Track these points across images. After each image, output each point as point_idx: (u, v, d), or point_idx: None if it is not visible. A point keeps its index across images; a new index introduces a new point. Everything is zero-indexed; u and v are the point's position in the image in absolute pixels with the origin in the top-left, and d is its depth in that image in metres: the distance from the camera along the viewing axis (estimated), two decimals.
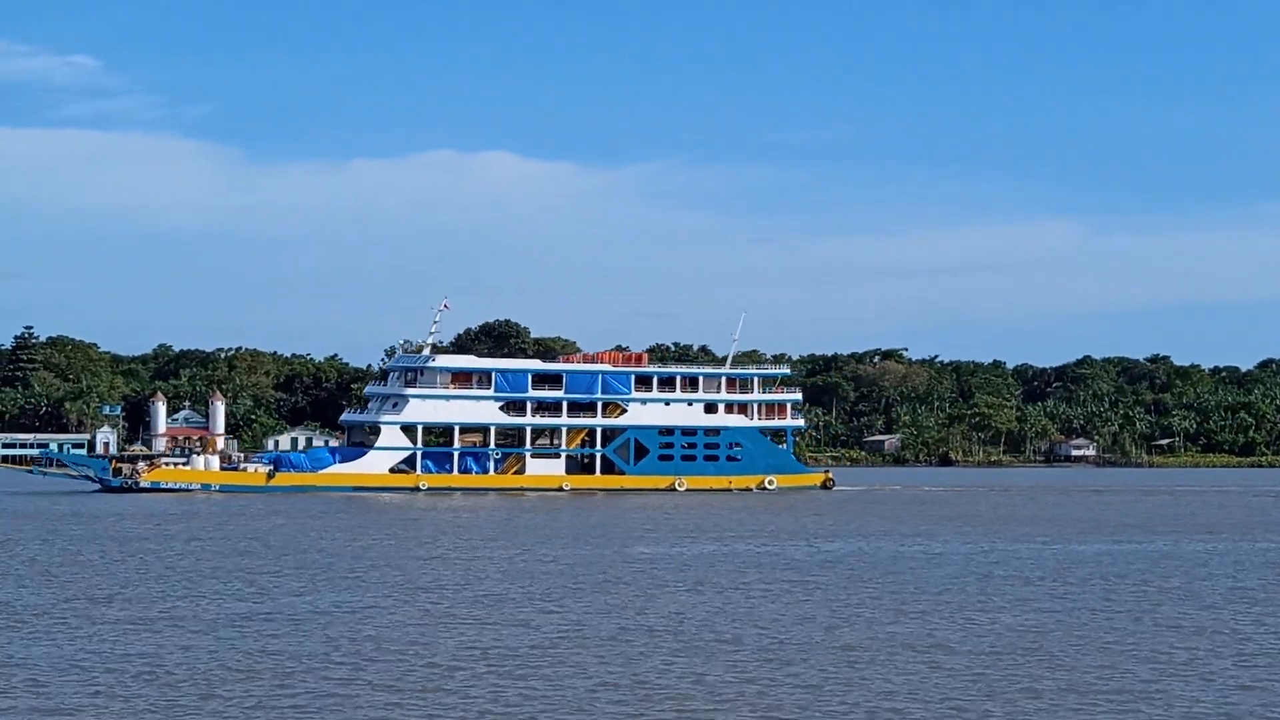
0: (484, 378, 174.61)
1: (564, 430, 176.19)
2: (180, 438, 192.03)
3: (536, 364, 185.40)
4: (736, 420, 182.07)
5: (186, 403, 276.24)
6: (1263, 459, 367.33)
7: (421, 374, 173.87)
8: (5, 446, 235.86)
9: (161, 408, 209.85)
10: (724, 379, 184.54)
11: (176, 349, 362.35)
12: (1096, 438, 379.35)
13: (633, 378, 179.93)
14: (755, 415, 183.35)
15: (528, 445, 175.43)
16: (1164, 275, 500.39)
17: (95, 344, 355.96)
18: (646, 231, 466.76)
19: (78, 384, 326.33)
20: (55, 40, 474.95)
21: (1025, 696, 33.63)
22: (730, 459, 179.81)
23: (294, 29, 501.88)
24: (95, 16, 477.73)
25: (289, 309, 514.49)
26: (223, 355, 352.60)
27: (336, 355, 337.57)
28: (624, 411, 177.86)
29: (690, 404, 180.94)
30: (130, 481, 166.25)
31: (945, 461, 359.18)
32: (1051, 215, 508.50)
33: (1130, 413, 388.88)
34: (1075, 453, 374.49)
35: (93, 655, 42.44)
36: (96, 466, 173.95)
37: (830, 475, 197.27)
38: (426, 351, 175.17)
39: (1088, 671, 38.29)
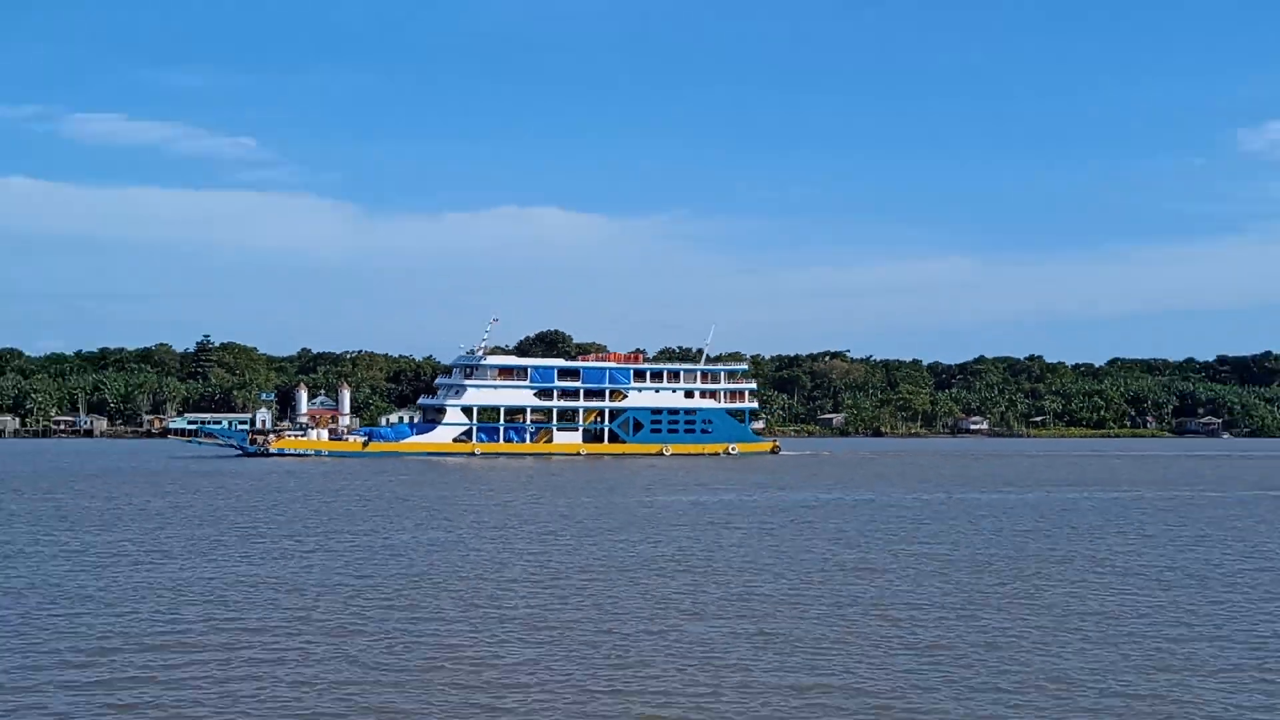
0: (522, 372, 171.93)
1: (581, 411, 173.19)
2: (315, 417, 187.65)
3: (561, 362, 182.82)
4: (708, 403, 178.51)
5: (321, 391, 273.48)
6: (1110, 432, 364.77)
7: (476, 370, 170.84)
8: (190, 423, 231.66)
9: (303, 394, 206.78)
10: (699, 373, 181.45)
11: (315, 351, 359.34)
12: (988, 416, 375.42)
13: (631, 372, 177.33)
14: (721, 399, 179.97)
15: (554, 422, 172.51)
16: (1036, 296, 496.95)
17: (255, 347, 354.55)
18: (660, 265, 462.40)
19: (242, 377, 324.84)
20: (227, 128, 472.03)
21: (932, 594, 39.26)
22: (703, 431, 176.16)
23: (398, 118, 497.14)
24: (254, 111, 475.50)
25: (397, 321, 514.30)
26: (348, 356, 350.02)
27: (431, 355, 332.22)
28: (625, 397, 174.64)
29: (673, 392, 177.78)
30: (261, 449, 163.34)
31: (877, 433, 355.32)
32: (955, 253, 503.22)
33: (1013, 398, 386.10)
34: (973, 427, 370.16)
35: (254, 574, 44.02)
36: (238, 437, 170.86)
37: (777, 444, 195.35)
38: (480, 352, 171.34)
39: (984, 576, 44.38)
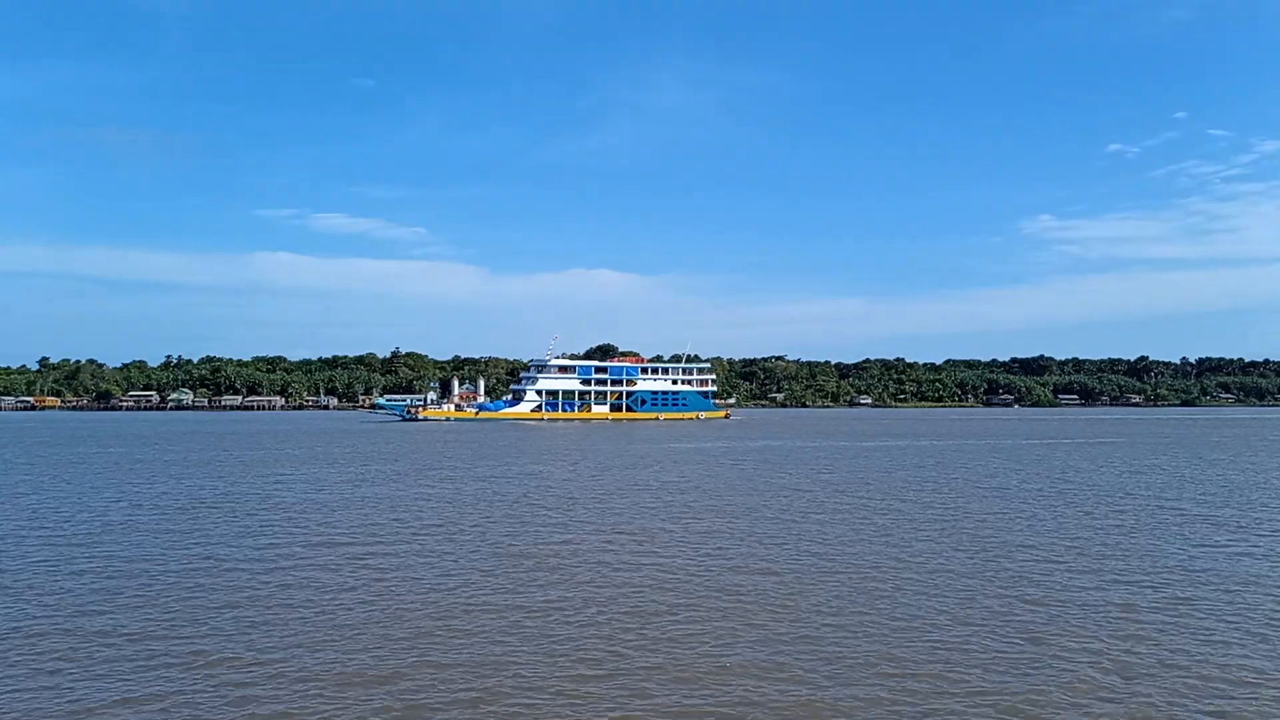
0: (573, 369, 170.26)
1: (609, 392, 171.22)
2: (462, 397, 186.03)
3: (596, 363, 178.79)
4: (686, 388, 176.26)
5: (467, 381, 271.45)
6: (946, 404, 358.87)
7: (545, 367, 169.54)
8: (389, 401, 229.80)
9: (455, 383, 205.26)
10: (680, 369, 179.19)
11: (462, 356, 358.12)
12: (871, 394, 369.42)
13: (639, 369, 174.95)
14: (694, 385, 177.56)
15: (593, 399, 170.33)
16: (899, 321, 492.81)
17: (426, 354, 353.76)
18: (669, 303, 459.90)
19: (418, 373, 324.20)
20: (407, 222, 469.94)
21: (844, 510, 36.38)
22: (683, 405, 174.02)
23: (510, 215, 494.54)
24: (423, 211, 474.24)
25: (510, 338, 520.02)
26: (482, 360, 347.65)
27: (531, 358, 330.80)
28: (636, 384, 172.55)
29: (665, 380, 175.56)
30: (413, 416, 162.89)
31: (803, 406, 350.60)
32: (850, 296, 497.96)
33: (887, 384, 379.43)
34: (862, 402, 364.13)
35: (411, 495, 41.75)
36: (399, 409, 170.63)
37: (729, 413, 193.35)
38: (548, 357, 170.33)
39: (889, 497, 40.55)
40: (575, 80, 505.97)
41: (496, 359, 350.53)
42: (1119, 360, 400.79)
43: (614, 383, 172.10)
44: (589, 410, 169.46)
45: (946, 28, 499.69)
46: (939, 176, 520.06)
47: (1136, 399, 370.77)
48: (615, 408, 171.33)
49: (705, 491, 43.30)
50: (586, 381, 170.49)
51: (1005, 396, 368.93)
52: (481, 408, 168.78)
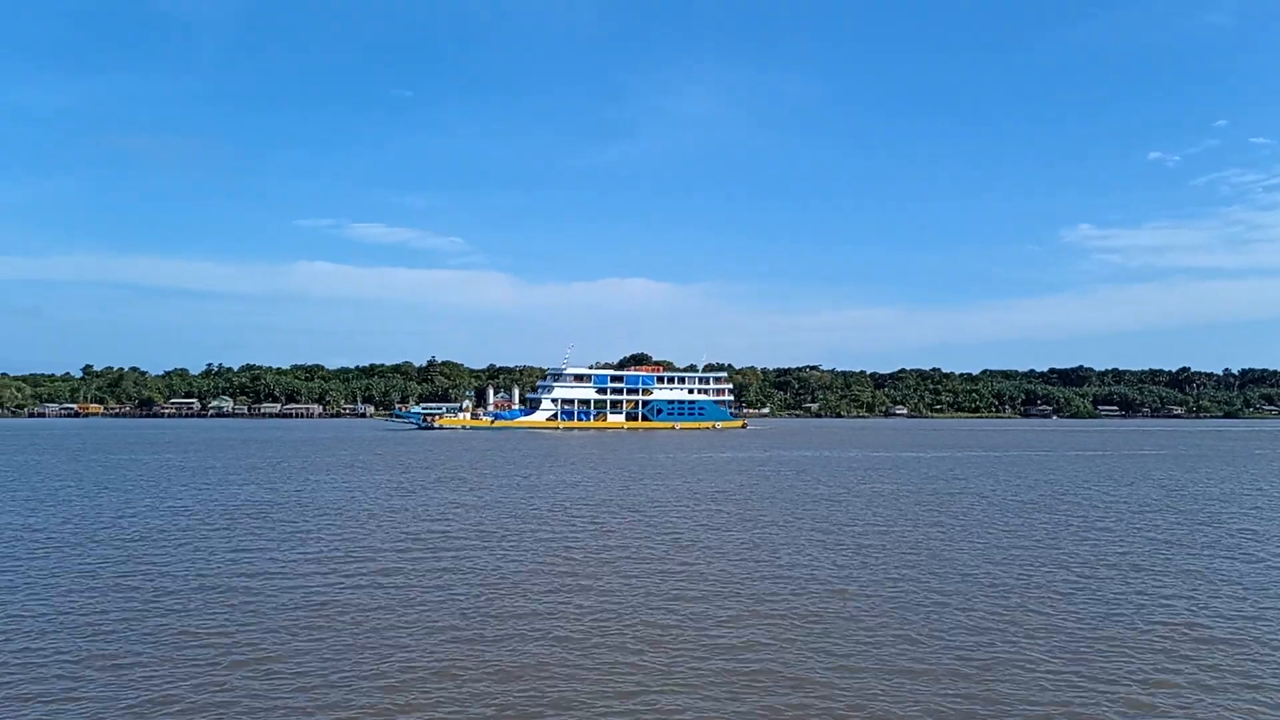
0: (588, 378, 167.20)
1: (624, 401, 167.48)
2: (498, 405, 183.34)
3: (612, 372, 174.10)
4: (703, 397, 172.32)
5: (501, 389, 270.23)
6: (983, 415, 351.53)
7: (561, 376, 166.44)
8: (426, 410, 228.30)
9: (490, 391, 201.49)
10: (697, 378, 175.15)
11: (497, 365, 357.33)
12: (907, 405, 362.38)
13: (655, 378, 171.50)
14: (711, 394, 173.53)
15: (608, 408, 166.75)
16: (935, 331, 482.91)
17: (462, 363, 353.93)
18: (704, 312, 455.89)
19: (454, 381, 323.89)
20: (443, 231, 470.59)
21: (863, 514, 36.82)
22: (700, 413, 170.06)
23: (543, 223, 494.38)
24: (458, 220, 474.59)
25: (544, 346, 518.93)
26: (516, 368, 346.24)
27: (550, 368, 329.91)
28: (651, 393, 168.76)
29: (681, 390, 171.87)
30: (429, 425, 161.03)
31: (838, 416, 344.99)
32: (885, 306, 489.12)
33: (923, 394, 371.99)
34: (898, 412, 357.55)
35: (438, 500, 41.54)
36: (416, 418, 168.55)
37: (745, 422, 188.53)
38: (564, 365, 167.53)
39: (906, 508, 39.11)
40: (608, 88, 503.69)
41: (531, 368, 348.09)
42: (1160, 371, 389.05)
43: (630, 392, 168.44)
44: (604, 419, 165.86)
45: (982, 33, 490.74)
46: (976, 184, 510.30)
47: (1178, 410, 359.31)
48: (631, 417, 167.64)
49: (742, 501, 41.94)
50: (602, 391, 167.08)
51: (1043, 407, 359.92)
52: (497, 416, 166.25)
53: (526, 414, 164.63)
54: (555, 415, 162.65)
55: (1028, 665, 15.89)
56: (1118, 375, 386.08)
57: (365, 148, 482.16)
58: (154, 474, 56.70)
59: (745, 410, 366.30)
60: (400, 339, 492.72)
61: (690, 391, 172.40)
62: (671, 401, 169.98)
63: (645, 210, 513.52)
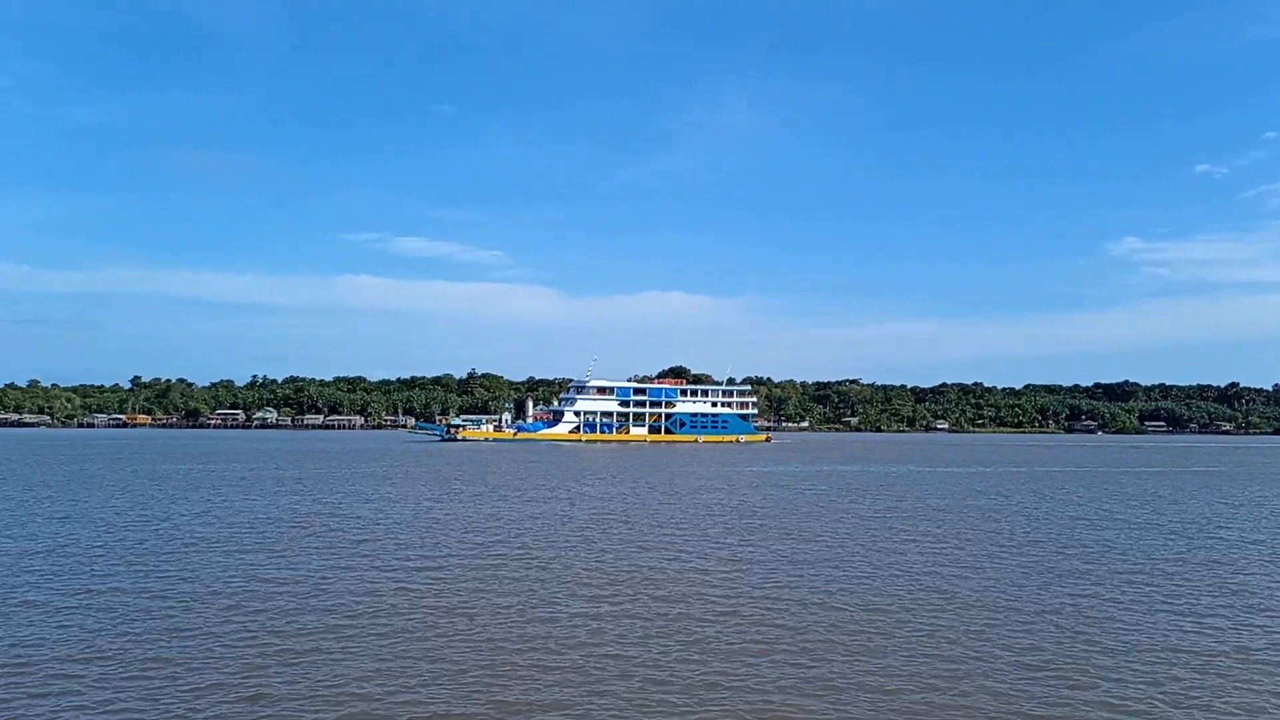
0: (611, 390, 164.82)
1: (647, 414, 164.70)
2: (538, 417, 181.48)
3: (634, 384, 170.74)
4: (726, 410, 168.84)
5: (541, 401, 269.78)
6: (1026, 430, 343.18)
7: (584, 389, 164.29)
8: (466, 420, 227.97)
9: (529, 404, 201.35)
10: (720, 391, 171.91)
11: (537, 377, 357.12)
12: (949, 420, 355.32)
13: (678, 391, 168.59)
14: (734, 407, 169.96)
15: (631, 420, 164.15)
16: (977, 345, 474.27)
17: (502, 375, 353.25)
18: (742, 325, 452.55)
19: (494, 393, 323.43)
20: (484, 245, 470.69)
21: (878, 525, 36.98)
22: (723, 427, 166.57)
23: (584, 238, 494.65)
24: (500, 234, 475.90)
25: (584, 359, 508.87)
26: (556, 380, 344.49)
27: (574, 381, 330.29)
28: (674, 406, 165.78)
29: (704, 403, 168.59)
30: (451, 436, 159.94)
31: (878, 430, 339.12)
32: (925, 318, 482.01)
33: (965, 409, 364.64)
34: (939, 426, 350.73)
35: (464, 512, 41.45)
36: (439, 430, 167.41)
37: (769, 436, 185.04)
38: (587, 378, 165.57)
39: (923, 522, 39.10)
40: (649, 103, 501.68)
41: (570, 380, 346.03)
42: (1208, 386, 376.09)
43: (653, 404, 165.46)
44: (627, 432, 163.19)
45: (1026, 46, 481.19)
46: (1018, 197, 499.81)
47: (1227, 427, 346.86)
48: (654, 429, 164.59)
49: (779, 515, 41.05)
50: (625, 403, 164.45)
51: (1088, 423, 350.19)
52: (520, 428, 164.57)
53: (549, 426, 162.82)
54: (578, 427, 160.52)
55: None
56: (1165, 390, 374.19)
57: (409, 163, 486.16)
58: (208, 482, 57.01)
59: (784, 424, 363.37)
60: (441, 351, 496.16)
61: (714, 404, 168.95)
62: (695, 414, 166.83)
63: (684, 224, 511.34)
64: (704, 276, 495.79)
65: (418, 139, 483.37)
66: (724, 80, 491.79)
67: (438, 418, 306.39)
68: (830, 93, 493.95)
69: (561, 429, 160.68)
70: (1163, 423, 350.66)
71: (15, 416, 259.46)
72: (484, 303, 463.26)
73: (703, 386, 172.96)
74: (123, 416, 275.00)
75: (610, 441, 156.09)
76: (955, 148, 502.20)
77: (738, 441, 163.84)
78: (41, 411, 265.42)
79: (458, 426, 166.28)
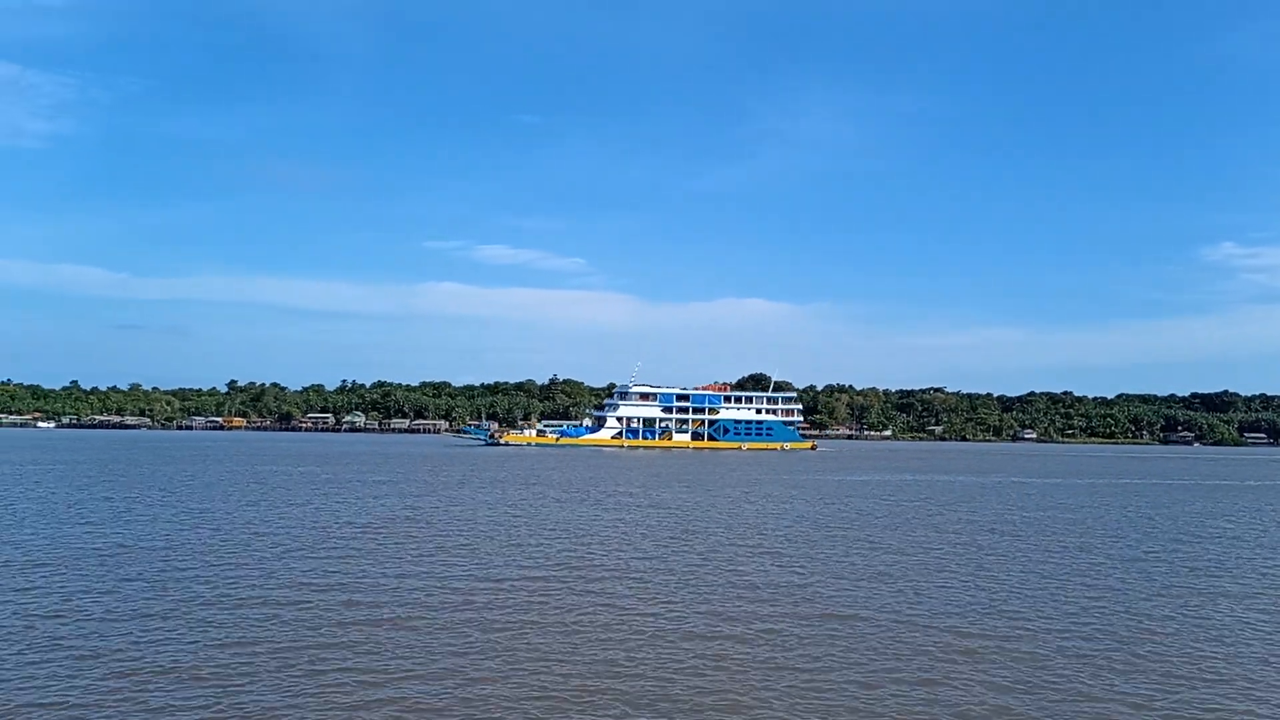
0: (654, 397, 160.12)
1: (690, 420, 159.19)
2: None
3: (678, 390, 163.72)
4: (771, 417, 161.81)
5: None
6: (1118, 441, 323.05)
7: (627, 395, 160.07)
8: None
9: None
10: (765, 398, 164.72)
11: (618, 384, 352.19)
12: (1036, 429, 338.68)
13: (722, 398, 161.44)
14: (779, 414, 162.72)
15: (674, 427, 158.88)
16: (1067, 352, 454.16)
17: (582, 381, 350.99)
18: (821, 331, 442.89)
19: (574, 399, 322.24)
20: (565, 253, 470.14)
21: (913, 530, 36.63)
22: (768, 434, 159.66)
23: (663, 245, 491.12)
24: (581, 242, 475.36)
25: (663, 366, 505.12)
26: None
27: (683, 386, 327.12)
28: (718, 412, 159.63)
29: (749, 409, 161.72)
30: (495, 441, 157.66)
31: (963, 439, 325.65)
32: (1011, 326, 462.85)
33: (1054, 418, 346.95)
34: (1026, 436, 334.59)
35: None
36: (483, 434, 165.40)
37: (815, 444, 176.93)
38: (630, 383, 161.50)
39: (950, 536, 36.41)
40: (729, 110, 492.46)
41: (650, 385, 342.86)
42: None
43: (695, 411, 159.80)
44: (670, 438, 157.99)
45: (1116, 48, 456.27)
46: (1108, 202, 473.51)
47: None
48: (697, 436, 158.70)
49: (858, 525, 39.49)
50: (668, 409, 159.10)
51: (1184, 434, 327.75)
52: (563, 433, 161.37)
53: (592, 431, 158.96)
54: (620, 433, 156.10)
55: None
56: (1266, 401, 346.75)
57: (492, 172, 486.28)
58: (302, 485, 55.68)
59: (866, 432, 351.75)
60: (522, 357, 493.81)
61: (758, 411, 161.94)
62: (738, 421, 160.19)
63: (763, 230, 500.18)
64: (783, 283, 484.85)
65: (500, 148, 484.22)
66: (804, 88, 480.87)
67: (520, 423, 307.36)
68: (910, 99, 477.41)
69: (604, 434, 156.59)
70: (1263, 434, 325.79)
71: (118, 418, 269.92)
72: (564, 309, 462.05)
73: (747, 393, 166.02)
74: (219, 419, 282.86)
75: (653, 448, 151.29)
76: (1039, 153, 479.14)
77: (782, 449, 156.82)
78: (142, 414, 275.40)
79: (501, 431, 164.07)
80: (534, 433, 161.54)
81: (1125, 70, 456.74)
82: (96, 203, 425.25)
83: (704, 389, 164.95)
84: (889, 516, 43.39)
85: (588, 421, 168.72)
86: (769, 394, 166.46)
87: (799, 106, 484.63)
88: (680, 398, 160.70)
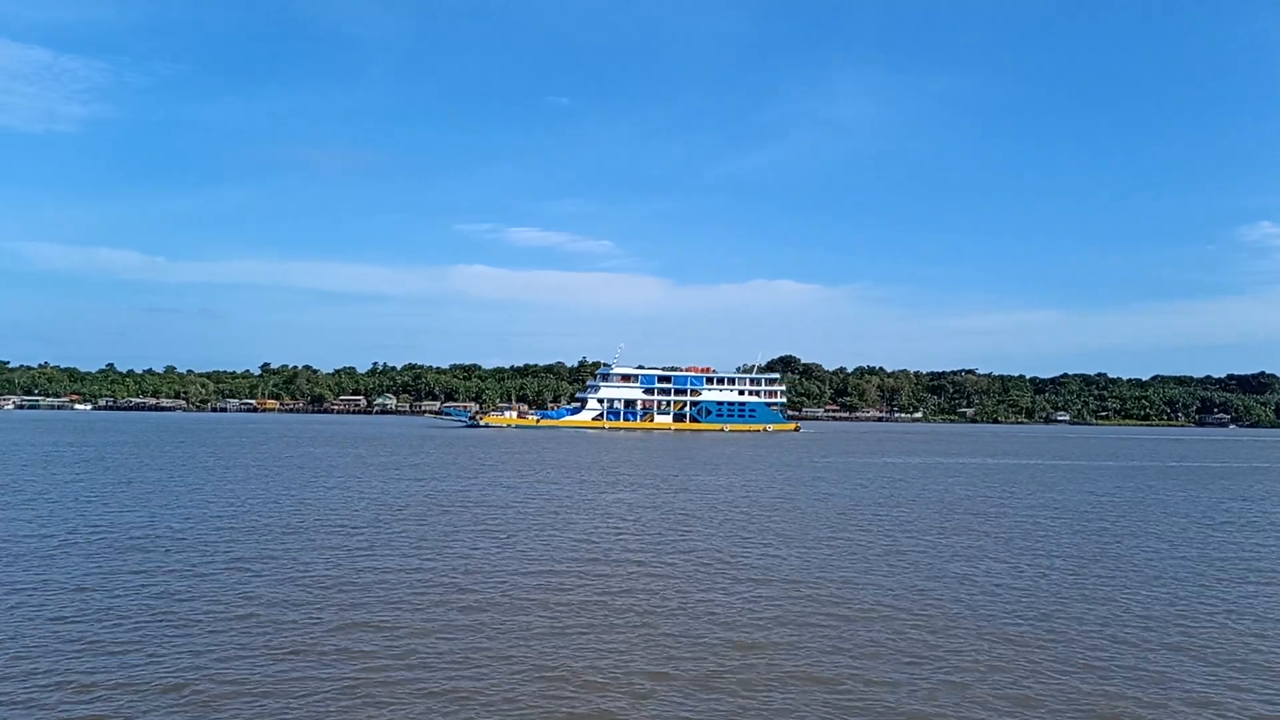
0: (635, 378, 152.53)
1: (672, 402, 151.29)
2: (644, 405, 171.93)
3: (659, 371, 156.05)
4: (753, 399, 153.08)
5: None
6: (1152, 423, 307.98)
7: (608, 377, 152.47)
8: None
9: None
10: (749, 379, 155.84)
11: (647, 366, 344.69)
12: (1070, 412, 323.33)
13: (704, 379, 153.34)
14: (762, 396, 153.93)
15: (656, 409, 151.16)
16: (1101, 334, 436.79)
17: (609, 363, 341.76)
18: (854, 313, 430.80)
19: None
20: (594, 235, 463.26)
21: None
22: (750, 415, 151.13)
23: (693, 228, 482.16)
24: (609, 225, 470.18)
25: (692, 347, 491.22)
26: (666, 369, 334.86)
27: (710, 367, 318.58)
28: (700, 394, 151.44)
29: (731, 391, 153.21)
30: (475, 423, 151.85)
31: (995, 421, 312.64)
32: (1046, 308, 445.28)
33: (1087, 400, 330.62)
34: (1060, 418, 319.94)
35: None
36: (464, 416, 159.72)
37: (799, 425, 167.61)
38: (612, 364, 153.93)
39: (940, 515, 34.22)
40: (759, 92, 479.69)
41: (677, 367, 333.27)
42: None
43: (678, 392, 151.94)
44: (651, 420, 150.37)
45: (1152, 25, 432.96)
46: (1141, 182, 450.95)
47: None
48: (679, 418, 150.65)
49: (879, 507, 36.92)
50: (650, 391, 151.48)
51: (1220, 416, 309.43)
52: (543, 415, 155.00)
53: (573, 413, 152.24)
54: (601, 415, 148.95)
55: None
56: None
57: (523, 154, 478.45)
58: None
59: (897, 414, 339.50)
60: (552, 339, 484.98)
61: (741, 393, 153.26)
62: (721, 403, 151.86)
63: (793, 212, 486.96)
64: (814, 265, 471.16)
65: (530, 130, 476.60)
66: (835, 69, 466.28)
67: (549, 404, 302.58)
68: (942, 80, 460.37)
69: (585, 416, 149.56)
70: None
71: (154, 401, 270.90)
72: (594, 292, 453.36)
73: (730, 375, 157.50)
74: (253, 401, 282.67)
75: (634, 430, 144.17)
76: (1074, 132, 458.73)
77: (765, 431, 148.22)
78: (178, 396, 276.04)
79: (482, 413, 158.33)
80: (514, 414, 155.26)
81: (1162, 52, 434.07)
82: (132, 186, 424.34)
83: (688, 370, 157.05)
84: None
85: (569, 403, 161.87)
86: (752, 375, 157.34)
87: (829, 88, 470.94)
88: (662, 379, 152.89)
